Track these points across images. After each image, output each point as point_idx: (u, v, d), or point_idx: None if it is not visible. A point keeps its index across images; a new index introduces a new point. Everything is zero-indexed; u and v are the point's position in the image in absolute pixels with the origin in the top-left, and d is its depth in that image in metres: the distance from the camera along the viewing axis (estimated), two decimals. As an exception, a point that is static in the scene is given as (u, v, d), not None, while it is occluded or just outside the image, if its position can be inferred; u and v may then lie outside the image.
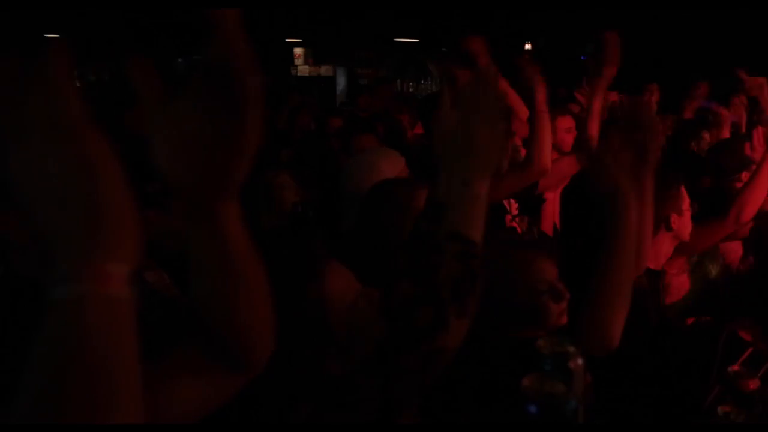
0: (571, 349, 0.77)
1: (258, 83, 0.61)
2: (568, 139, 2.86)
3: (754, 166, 2.47)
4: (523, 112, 2.72)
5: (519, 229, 2.56)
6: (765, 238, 2.13)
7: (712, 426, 1.27)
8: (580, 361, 0.77)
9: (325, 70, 11.74)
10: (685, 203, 2.00)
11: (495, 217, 2.51)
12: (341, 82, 11.60)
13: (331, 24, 10.11)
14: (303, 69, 11.78)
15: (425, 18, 9.92)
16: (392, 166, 2.08)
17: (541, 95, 2.42)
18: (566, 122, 2.94)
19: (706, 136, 3.63)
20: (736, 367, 1.24)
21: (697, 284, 2.17)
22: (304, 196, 2.96)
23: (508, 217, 2.60)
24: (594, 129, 2.43)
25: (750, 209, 2.27)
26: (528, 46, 10.41)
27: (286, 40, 11.46)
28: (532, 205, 2.75)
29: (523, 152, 2.58)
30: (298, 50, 11.83)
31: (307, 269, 1.05)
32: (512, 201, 2.64)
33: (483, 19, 9.20)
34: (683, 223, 1.99)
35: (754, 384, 1.19)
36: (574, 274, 1.54)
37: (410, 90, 10.01)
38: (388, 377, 0.95)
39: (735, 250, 2.62)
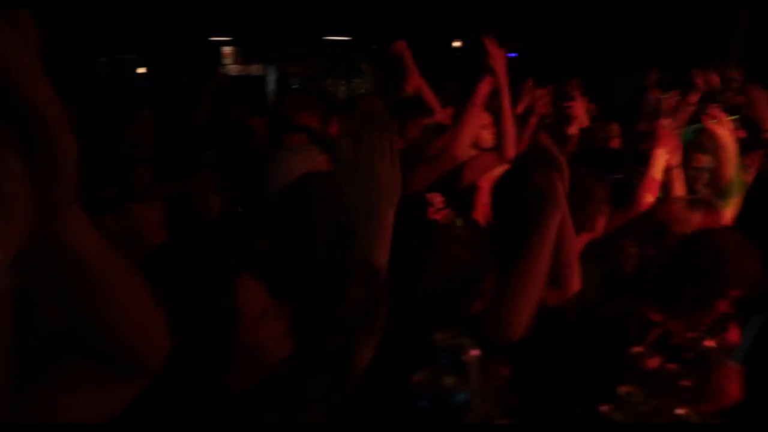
0: (465, 341, 0.78)
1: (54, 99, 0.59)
2: (485, 135, 2.92)
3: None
4: (438, 110, 2.77)
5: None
6: (664, 228, 2.20)
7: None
8: (474, 353, 0.78)
9: (255, 69, 11.55)
10: (608, 205, 2.06)
11: (417, 210, 2.55)
12: (271, 81, 11.44)
13: (261, 22, 9.96)
14: (233, 68, 11.54)
15: (356, 16, 9.92)
16: (300, 163, 2.07)
17: (482, 89, 2.50)
18: (483, 118, 3.00)
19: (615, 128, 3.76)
20: (638, 349, 1.29)
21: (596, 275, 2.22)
22: (229, 198, 2.90)
23: (431, 210, 2.63)
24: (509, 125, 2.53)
25: (643, 198, 2.36)
26: (457, 44, 10.57)
27: (214, 38, 11.21)
28: (459, 199, 2.79)
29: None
30: (227, 49, 11.58)
31: (219, 281, 1.03)
32: (436, 195, 2.68)
33: (413, 17, 9.29)
34: (602, 223, 2.05)
35: (652, 363, 1.24)
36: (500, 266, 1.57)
37: (342, 88, 9.99)
38: (291, 402, 0.95)
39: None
